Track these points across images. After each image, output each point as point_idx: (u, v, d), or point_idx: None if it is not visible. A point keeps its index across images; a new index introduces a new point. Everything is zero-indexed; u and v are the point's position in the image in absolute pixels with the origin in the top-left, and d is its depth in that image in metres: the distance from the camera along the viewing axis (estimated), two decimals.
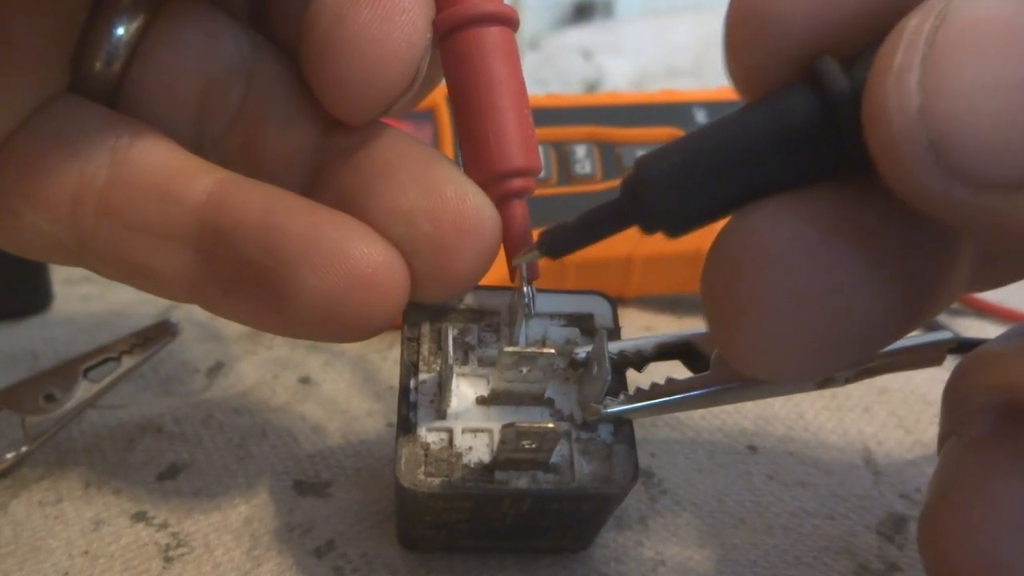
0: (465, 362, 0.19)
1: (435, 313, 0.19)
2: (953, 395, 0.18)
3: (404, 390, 0.18)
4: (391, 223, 0.17)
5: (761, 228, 0.14)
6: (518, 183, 0.18)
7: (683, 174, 0.15)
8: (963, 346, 0.20)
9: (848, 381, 0.19)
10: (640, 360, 0.19)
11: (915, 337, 0.19)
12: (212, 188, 0.17)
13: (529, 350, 0.17)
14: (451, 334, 0.18)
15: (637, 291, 0.34)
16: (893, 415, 0.26)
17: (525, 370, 0.17)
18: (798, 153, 0.14)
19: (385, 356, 0.30)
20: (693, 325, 0.34)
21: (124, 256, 0.17)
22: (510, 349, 0.17)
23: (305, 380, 0.28)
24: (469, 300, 0.19)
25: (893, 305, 0.14)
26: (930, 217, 0.12)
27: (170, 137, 0.18)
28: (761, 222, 0.14)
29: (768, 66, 0.14)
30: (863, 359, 0.15)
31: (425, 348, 0.19)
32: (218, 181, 0.17)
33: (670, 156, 0.15)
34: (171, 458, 0.24)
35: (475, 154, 0.18)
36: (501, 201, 0.18)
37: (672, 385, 0.18)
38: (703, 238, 0.35)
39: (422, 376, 0.18)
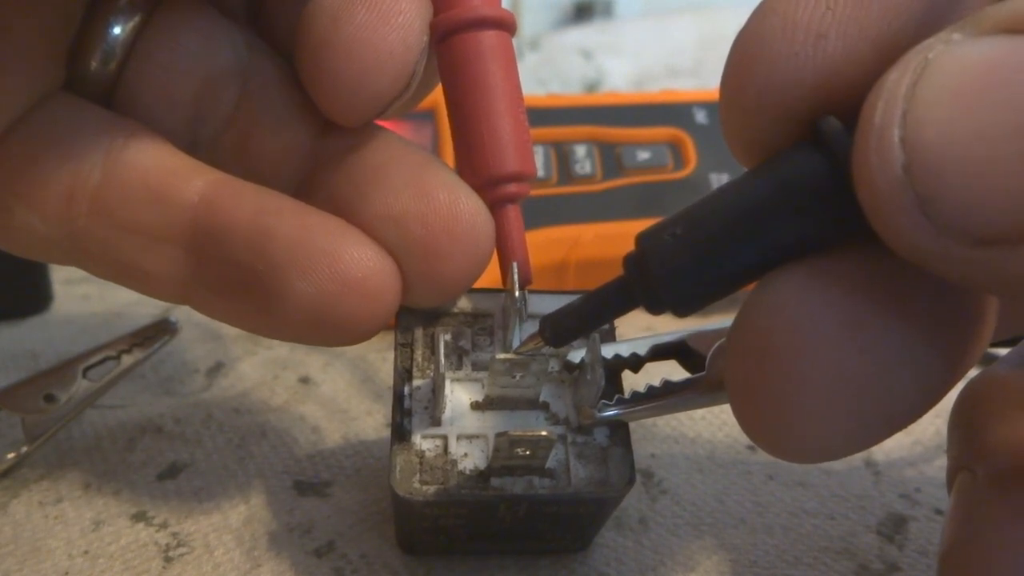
0: (459, 367, 0.18)
1: (428, 318, 0.19)
2: (963, 425, 0.17)
3: (398, 397, 0.18)
4: (383, 227, 0.17)
5: (790, 302, 0.13)
6: (512, 188, 0.18)
7: (688, 242, 0.14)
8: None
9: None
10: (635, 361, 0.19)
11: None
12: (204, 189, 0.17)
13: (521, 357, 0.17)
14: (442, 340, 0.18)
15: None
16: None
17: (518, 375, 0.17)
18: (810, 215, 0.13)
19: (385, 357, 0.30)
20: (692, 325, 0.34)
21: (116, 256, 0.17)
22: (502, 356, 0.17)
23: (305, 380, 0.28)
24: (462, 304, 0.19)
25: (937, 371, 0.13)
26: (940, 277, 0.12)
27: (164, 137, 0.18)
28: (788, 294, 0.13)
29: (770, 130, 0.14)
30: (900, 429, 0.14)
31: (419, 353, 0.18)
32: (210, 183, 0.17)
33: (673, 226, 0.14)
34: (171, 458, 0.24)
35: (470, 158, 0.18)
36: (495, 205, 0.18)
37: (667, 387, 0.18)
38: None
39: (416, 382, 0.18)
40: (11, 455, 0.23)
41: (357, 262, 0.16)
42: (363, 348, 0.30)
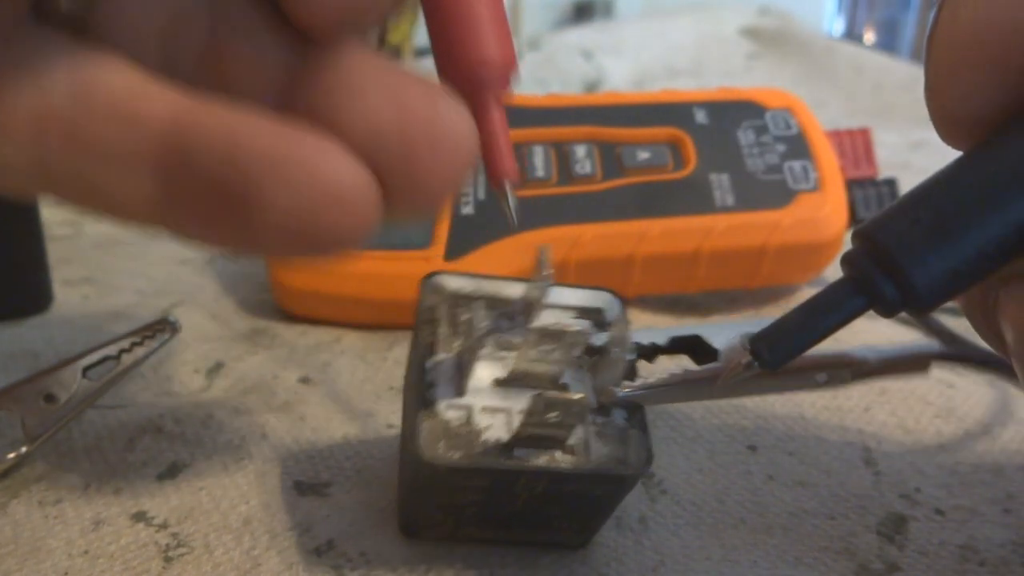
0: (482, 345, 0.19)
1: (451, 297, 0.19)
2: None
3: (421, 369, 0.18)
4: (361, 141, 0.16)
5: None
6: (493, 77, 0.18)
7: (937, 227, 0.13)
8: (944, 356, 0.20)
9: (844, 383, 0.19)
10: (652, 351, 0.19)
11: (901, 347, 0.20)
12: (176, 109, 0.16)
13: (557, 327, 0.17)
14: (481, 309, 0.18)
15: (637, 291, 0.34)
16: (893, 415, 0.26)
17: (549, 348, 0.17)
18: None
19: (385, 356, 0.30)
20: (693, 325, 0.34)
21: (87, 182, 0.17)
22: (538, 325, 0.17)
23: (305, 380, 0.28)
24: (485, 288, 0.19)
25: None
26: None
27: (135, 61, 0.17)
28: None
29: (987, 95, 0.13)
30: None
31: (442, 330, 0.19)
32: (182, 102, 0.17)
33: (907, 213, 0.13)
34: (171, 458, 0.24)
35: (446, 47, 0.18)
36: (475, 96, 0.18)
37: (687, 374, 0.18)
38: (703, 238, 0.35)
39: (439, 356, 0.18)
40: (11, 455, 0.23)
41: (336, 172, 0.16)
42: (364, 348, 0.30)
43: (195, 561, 0.20)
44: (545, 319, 0.19)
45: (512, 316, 0.19)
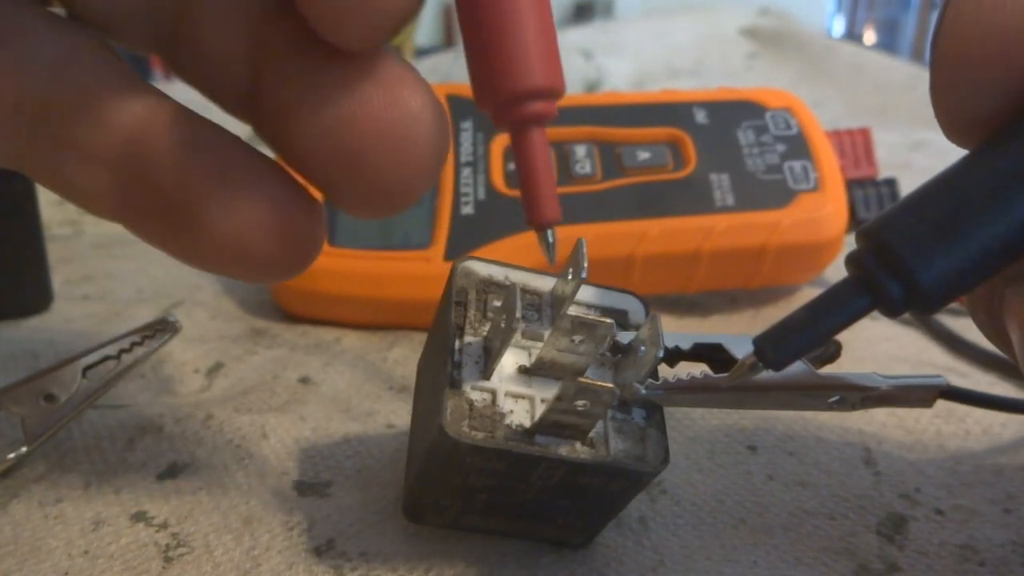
0: (515, 330, 0.19)
1: (481, 283, 0.19)
2: None
3: (450, 350, 0.18)
4: (311, 139, 0.16)
5: None
6: (538, 107, 0.16)
7: (943, 226, 0.13)
8: (950, 393, 0.20)
9: (854, 407, 0.19)
10: (675, 354, 0.19)
11: (910, 377, 0.20)
12: (141, 114, 0.16)
13: (590, 317, 0.17)
14: (517, 295, 0.18)
15: (637, 291, 0.34)
16: (893, 415, 0.26)
17: (579, 339, 0.18)
18: None
19: (385, 356, 0.30)
20: (693, 325, 0.34)
21: (54, 170, 0.17)
22: (572, 313, 0.17)
23: (305, 380, 0.28)
24: (515, 277, 0.20)
25: None
26: None
27: (113, 52, 0.17)
28: None
29: (995, 94, 0.13)
30: None
31: (471, 313, 0.19)
32: (148, 107, 0.17)
33: (912, 211, 0.13)
34: (171, 458, 0.24)
35: (486, 70, 0.16)
36: (517, 127, 0.16)
37: (710, 379, 0.18)
38: (703, 238, 0.35)
39: (467, 339, 0.19)
40: (11, 455, 0.23)
41: (266, 207, 0.16)
42: (364, 348, 0.30)
43: (195, 561, 0.20)
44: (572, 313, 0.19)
45: (539, 308, 0.19)
